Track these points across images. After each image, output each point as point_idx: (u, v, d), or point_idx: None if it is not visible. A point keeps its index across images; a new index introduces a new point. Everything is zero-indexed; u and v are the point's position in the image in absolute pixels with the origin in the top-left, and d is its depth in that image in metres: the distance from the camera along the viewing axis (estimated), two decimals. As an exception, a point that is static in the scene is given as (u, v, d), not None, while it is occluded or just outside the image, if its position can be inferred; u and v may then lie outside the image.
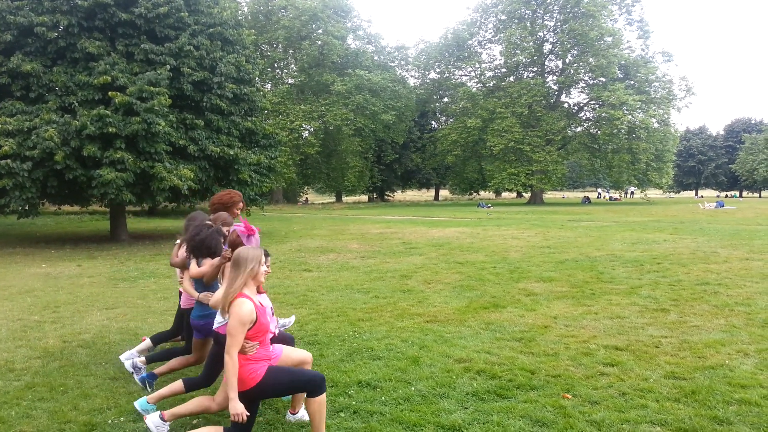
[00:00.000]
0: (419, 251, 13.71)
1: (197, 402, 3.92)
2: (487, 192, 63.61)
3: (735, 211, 30.80)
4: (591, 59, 43.00)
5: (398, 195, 71.00)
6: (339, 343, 6.05)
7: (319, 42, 41.40)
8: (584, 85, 47.24)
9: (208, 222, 4.63)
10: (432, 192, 71.49)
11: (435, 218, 26.79)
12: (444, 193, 73.35)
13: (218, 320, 4.16)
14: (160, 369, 4.91)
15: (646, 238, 15.54)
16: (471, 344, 5.96)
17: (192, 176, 15.23)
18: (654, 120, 43.19)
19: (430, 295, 8.68)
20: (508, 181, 44.42)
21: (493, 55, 51.99)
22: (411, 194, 79.49)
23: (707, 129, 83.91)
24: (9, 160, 13.51)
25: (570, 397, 4.53)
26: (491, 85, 48.77)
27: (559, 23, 46.18)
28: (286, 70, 46.45)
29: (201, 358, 4.78)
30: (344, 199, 57.16)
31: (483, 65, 49.41)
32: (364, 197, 61.14)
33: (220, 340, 4.11)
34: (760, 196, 76.62)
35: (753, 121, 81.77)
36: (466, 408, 4.34)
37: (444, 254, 13.17)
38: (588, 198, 54.34)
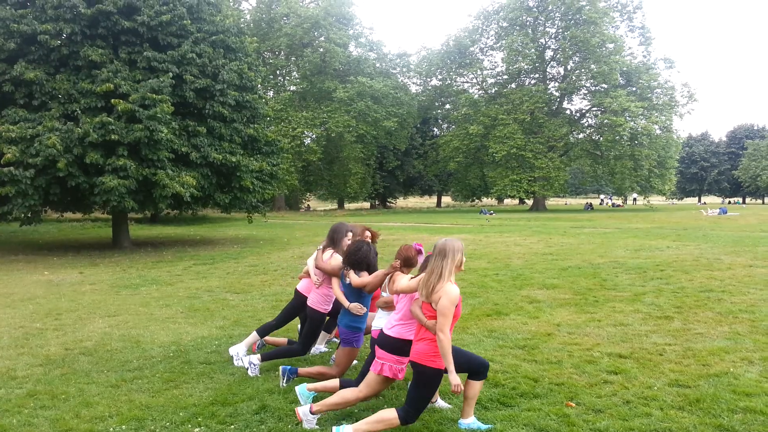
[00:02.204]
0: (421, 258, 13.66)
1: (343, 395, 4.24)
2: (489, 199, 63.54)
3: (738, 218, 30.73)
4: (593, 66, 43.04)
5: (400, 202, 70.93)
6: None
7: (321, 49, 41.50)
8: (586, 91, 47.26)
9: (359, 237, 5.33)
10: (434, 199, 71.44)
11: (437, 225, 26.77)
12: (446, 199, 73.30)
13: (375, 325, 4.72)
14: (305, 370, 5.11)
15: (649, 244, 15.50)
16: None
17: (194, 183, 15.25)
18: (656, 126, 43.12)
19: (432, 302, 8.64)
20: (511, 187, 44.36)
21: (495, 62, 52.00)
22: (413, 201, 79.43)
23: (710, 135, 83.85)
24: (12, 168, 13.55)
25: (574, 405, 4.51)
26: (493, 91, 48.82)
27: (560, 30, 46.27)
28: (288, 78, 46.55)
29: (344, 367, 5.02)
30: (346, 205, 57.12)
31: (485, 72, 49.49)
32: (366, 204, 61.05)
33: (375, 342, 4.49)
34: (763, 203, 76.50)
35: (756, 128, 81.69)
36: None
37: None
38: (590, 204, 54.27)
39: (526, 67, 46.51)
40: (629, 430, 4.05)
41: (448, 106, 53.72)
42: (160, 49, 15.93)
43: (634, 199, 62.27)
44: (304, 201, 58.29)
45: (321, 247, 5.49)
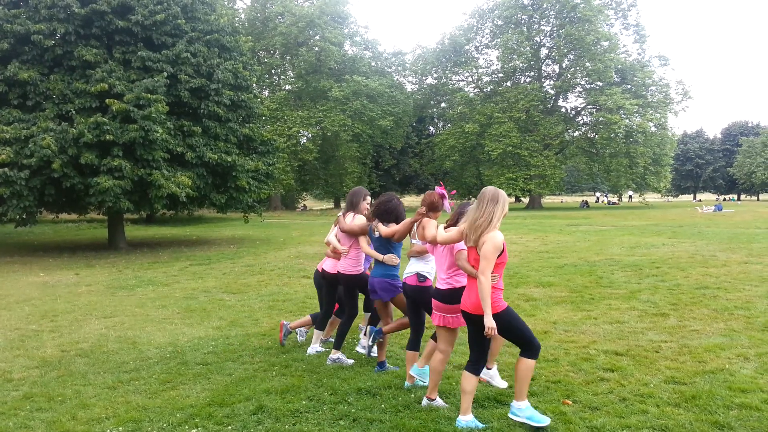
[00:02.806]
0: (418, 257, 13.67)
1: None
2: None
3: (733, 215, 30.85)
4: (588, 64, 43.12)
5: (396, 200, 70.91)
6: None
7: (317, 48, 41.45)
8: (581, 89, 47.36)
9: (390, 193, 5.35)
10: (430, 197, 71.42)
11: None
12: (442, 198, 73.21)
13: (406, 271, 4.86)
14: (387, 328, 5.32)
15: (644, 242, 15.55)
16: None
17: (190, 183, 15.22)
18: (651, 124, 43.25)
19: (429, 301, 8.66)
20: (507, 185, 44.37)
21: (490, 60, 51.98)
22: (409, 199, 79.29)
23: (704, 132, 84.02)
24: (6, 169, 13.50)
25: (570, 403, 4.52)
26: (488, 90, 48.87)
27: (555, 28, 46.34)
28: (283, 77, 46.49)
29: (388, 316, 5.31)
30: (342, 204, 57.05)
31: (480, 70, 49.54)
32: (363, 203, 61.04)
33: (405, 291, 4.86)
34: (758, 199, 76.74)
35: (750, 125, 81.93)
36: (466, 415, 4.32)
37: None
38: (586, 202, 54.39)
39: (521, 65, 46.57)
40: (626, 427, 4.06)
41: (443, 104, 53.75)
42: (154, 48, 15.89)
43: (630, 197, 62.49)
44: (300, 200, 58.17)
45: (341, 214, 5.64)
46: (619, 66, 43.34)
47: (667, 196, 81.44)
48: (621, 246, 14.70)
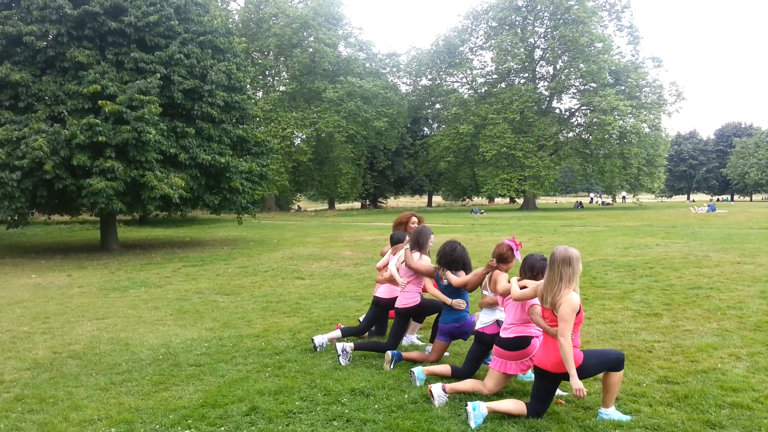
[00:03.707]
0: (412, 258, 13.67)
1: (473, 383, 4.69)
2: (480, 198, 63.73)
3: (726, 215, 30.99)
4: (581, 65, 43.27)
5: (391, 201, 70.95)
6: (332, 352, 6.01)
7: (311, 49, 41.45)
8: (575, 90, 47.53)
9: (453, 241, 5.55)
10: (425, 198, 71.53)
11: (428, 224, 26.76)
12: (437, 199, 73.42)
13: (483, 321, 4.99)
14: (408, 354, 5.58)
15: (638, 242, 15.60)
16: (464, 350, 5.93)
17: (183, 185, 15.18)
18: (645, 125, 43.46)
19: (423, 302, 8.65)
20: (501, 186, 44.53)
21: (485, 62, 52.07)
22: (404, 200, 79.50)
23: (698, 133, 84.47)
24: (-2, 170, 13.43)
25: (563, 402, 4.53)
26: (483, 91, 48.96)
27: (549, 29, 46.49)
28: (277, 78, 46.45)
29: (438, 358, 5.51)
30: (337, 206, 57.06)
31: (474, 72, 49.64)
32: (357, 204, 61.05)
33: (484, 340, 4.95)
34: (751, 200, 77.16)
35: (743, 125, 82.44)
36: (459, 415, 4.32)
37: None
38: (580, 203, 54.54)
39: (515, 66, 46.70)
40: (618, 426, 4.07)
41: (438, 105, 53.84)
42: (147, 49, 15.84)
43: (624, 198, 62.68)
44: (294, 201, 58.15)
45: (405, 249, 5.83)
46: (613, 67, 43.53)
47: (661, 196, 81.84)
48: (615, 246, 14.74)
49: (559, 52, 45.53)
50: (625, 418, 4.18)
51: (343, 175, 44.52)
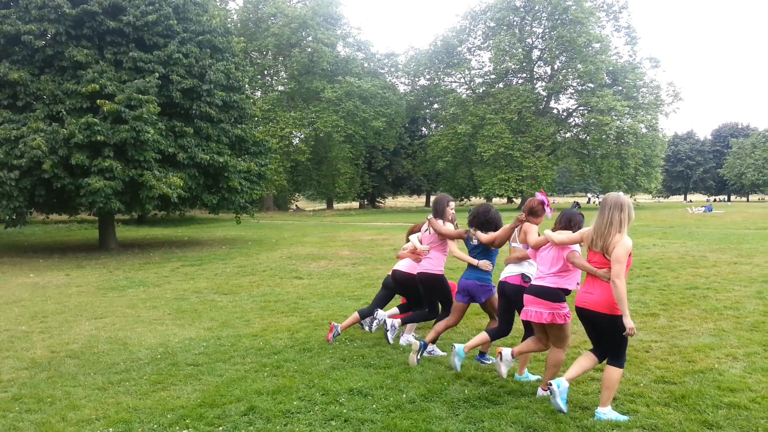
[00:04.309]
0: (410, 258, 13.68)
1: (533, 343, 4.78)
2: (478, 198, 63.73)
3: (723, 216, 31.05)
4: (579, 65, 43.29)
5: (389, 201, 70.97)
6: (330, 351, 6.03)
7: (309, 49, 41.42)
8: (573, 91, 47.54)
9: (487, 203, 5.50)
10: (423, 198, 71.53)
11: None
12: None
13: (508, 272, 5.05)
14: (428, 337, 5.62)
15: (635, 242, 15.53)
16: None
17: (181, 184, 15.17)
18: (642, 125, 43.48)
19: (421, 302, 8.67)
20: (499, 186, 44.54)
21: (483, 62, 52.09)
22: (402, 200, 79.50)
23: (695, 134, 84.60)
24: (-4, 169, 13.41)
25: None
26: (481, 91, 48.97)
27: (547, 30, 46.50)
28: (275, 78, 46.41)
29: (459, 318, 5.62)
30: (335, 205, 57.04)
31: (472, 72, 49.63)
32: (355, 204, 61.04)
33: (505, 291, 5.03)
34: (747, 200, 77.32)
35: (740, 126, 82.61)
36: (457, 415, 4.34)
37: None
38: (578, 203, 54.53)
39: (513, 66, 46.71)
40: (615, 426, 4.08)
41: (436, 105, 53.82)
42: (146, 49, 15.83)
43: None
44: (292, 201, 58.10)
45: (429, 217, 5.86)
46: (611, 68, 43.54)
47: (658, 197, 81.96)
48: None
49: (557, 52, 45.56)
50: (623, 418, 4.18)
51: (341, 175, 44.51)
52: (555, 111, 49.42)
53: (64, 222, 28.15)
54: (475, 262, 5.38)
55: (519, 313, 4.90)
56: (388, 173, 56.55)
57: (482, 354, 5.66)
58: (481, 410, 4.41)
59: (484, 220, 5.38)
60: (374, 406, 4.49)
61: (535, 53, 48.17)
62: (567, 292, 4.56)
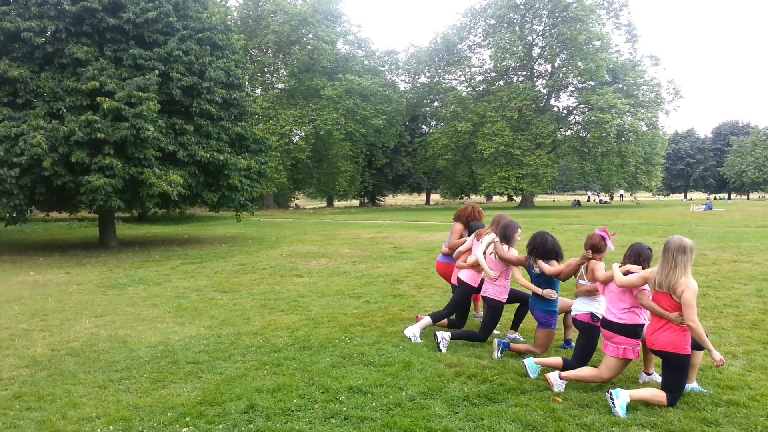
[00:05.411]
0: (410, 256, 13.71)
1: (589, 371, 4.79)
2: (478, 196, 63.74)
3: (723, 214, 31.04)
4: (579, 63, 43.23)
5: (389, 199, 70.97)
6: (330, 349, 6.03)
7: (309, 47, 41.37)
8: (573, 88, 47.49)
9: (543, 232, 5.78)
10: (423, 196, 71.54)
11: (426, 222, 26.82)
12: (435, 197, 73.41)
13: (577, 309, 5.16)
14: (516, 346, 5.73)
15: (635, 240, 15.59)
16: (462, 348, 5.96)
17: (182, 182, 15.16)
18: (642, 123, 43.45)
19: (421, 300, 8.68)
20: (499, 184, 44.53)
21: (483, 60, 51.91)
22: (402, 198, 79.50)
23: (695, 132, 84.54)
24: (-4, 167, 13.40)
25: (560, 400, 4.55)
26: (481, 89, 48.93)
27: (547, 27, 46.45)
28: (276, 75, 46.36)
29: (545, 346, 5.67)
30: (335, 203, 57.05)
31: (473, 69, 49.58)
32: (356, 202, 61.03)
33: (583, 329, 5.12)
34: (748, 199, 77.28)
35: (740, 124, 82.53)
36: (457, 412, 4.35)
37: (435, 258, 13.14)
38: (578, 201, 54.59)
39: (513, 64, 46.66)
40: (615, 424, 4.09)
41: (436, 103, 53.77)
42: (146, 46, 15.81)
43: (621, 196, 62.78)
44: (292, 199, 58.09)
45: (495, 241, 6.06)
46: (611, 65, 43.49)
47: (658, 195, 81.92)
48: (612, 245, 14.74)
49: (557, 50, 45.50)
50: (623, 415, 4.23)
51: (341, 173, 44.50)
52: (555, 109, 49.39)
53: (64, 220, 28.16)
54: (539, 291, 5.55)
55: (579, 346, 5.17)
56: (389, 171, 56.53)
57: (567, 342, 6.07)
58: (481, 408, 4.41)
59: (544, 251, 5.54)
60: (374, 404, 4.50)
61: (536, 51, 48.11)
62: (641, 326, 4.72)
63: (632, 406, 4.38)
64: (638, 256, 4.80)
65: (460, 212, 7.28)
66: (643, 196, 69.62)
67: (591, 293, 5.10)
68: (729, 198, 75.96)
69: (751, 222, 22.99)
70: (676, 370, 4.36)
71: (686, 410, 4.30)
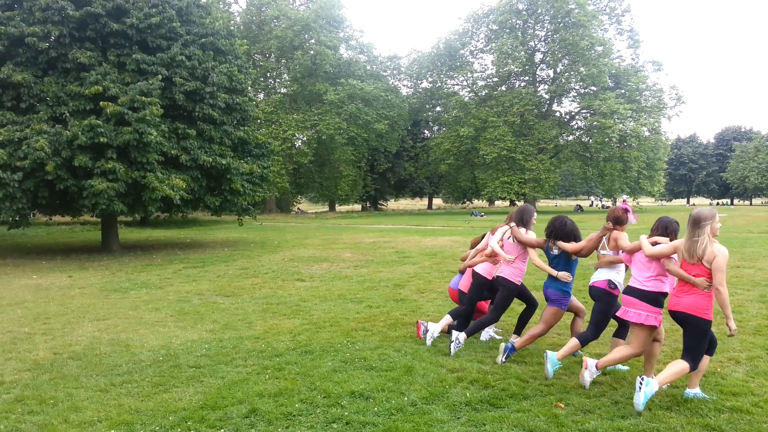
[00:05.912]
0: (412, 260, 13.71)
1: (621, 352, 4.81)
2: (480, 200, 63.69)
3: (726, 219, 30.97)
4: (582, 68, 43.31)
5: (391, 204, 70.91)
6: (332, 353, 6.03)
7: (312, 52, 41.48)
8: (575, 94, 47.56)
9: (563, 216, 5.74)
10: (425, 201, 71.48)
11: (428, 227, 26.82)
12: (437, 201, 73.37)
13: (596, 277, 5.26)
14: (518, 343, 5.69)
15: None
16: (464, 354, 5.95)
17: (184, 186, 15.18)
18: (645, 128, 43.49)
19: (423, 305, 8.67)
20: (501, 189, 44.55)
21: (485, 65, 52.33)
22: (404, 203, 79.49)
23: (698, 137, 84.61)
24: (-1, 171, 13.44)
25: (563, 406, 4.53)
26: (483, 94, 49.00)
27: (549, 33, 46.53)
28: (278, 80, 46.47)
29: (550, 324, 5.66)
30: (337, 208, 57.04)
31: (475, 75, 49.67)
32: (358, 206, 61.05)
33: (592, 294, 5.27)
34: (751, 204, 77.16)
35: (743, 129, 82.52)
36: (459, 418, 4.34)
37: (437, 263, 13.17)
38: (580, 206, 54.58)
39: (515, 69, 46.73)
40: (617, 430, 4.08)
41: (438, 108, 53.86)
42: (149, 51, 15.86)
43: (624, 201, 62.67)
44: (294, 204, 58.13)
45: (511, 225, 6.06)
46: (613, 71, 43.56)
47: (661, 200, 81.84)
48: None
49: (560, 55, 45.58)
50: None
51: (343, 178, 44.54)
52: (557, 114, 49.45)
53: (66, 224, 28.21)
54: (555, 273, 5.55)
55: (595, 312, 5.23)
56: (391, 176, 56.54)
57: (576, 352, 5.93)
58: (483, 413, 4.40)
59: (563, 233, 5.56)
60: (376, 408, 4.49)
61: (538, 56, 48.20)
62: (664, 295, 4.78)
63: (633, 412, 4.37)
64: (665, 228, 4.92)
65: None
66: (645, 202, 69.55)
67: (613, 264, 5.20)
68: (732, 203, 75.83)
69: (754, 227, 22.95)
70: (695, 334, 4.48)
71: (689, 416, 4.29)
